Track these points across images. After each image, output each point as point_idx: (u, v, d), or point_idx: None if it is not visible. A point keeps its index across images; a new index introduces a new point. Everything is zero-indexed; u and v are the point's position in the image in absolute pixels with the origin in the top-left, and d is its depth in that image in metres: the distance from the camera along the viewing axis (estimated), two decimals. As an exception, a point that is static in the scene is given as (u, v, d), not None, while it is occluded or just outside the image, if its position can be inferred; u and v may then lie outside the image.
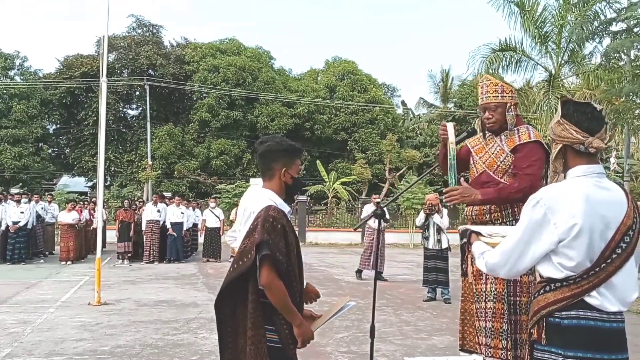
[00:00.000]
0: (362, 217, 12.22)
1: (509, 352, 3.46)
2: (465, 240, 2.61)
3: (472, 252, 2.52)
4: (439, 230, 9.26)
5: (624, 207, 2.15)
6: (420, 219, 9.58)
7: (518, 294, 3.54)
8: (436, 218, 9.23)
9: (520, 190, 3.53)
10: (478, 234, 2.53)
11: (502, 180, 3.71)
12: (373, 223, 11.27)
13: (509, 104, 3.75)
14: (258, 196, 2.82)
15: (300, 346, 2.68)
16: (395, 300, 9.30)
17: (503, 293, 3.52)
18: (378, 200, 12.60)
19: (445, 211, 9.56)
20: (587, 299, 2.10)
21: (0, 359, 5.51)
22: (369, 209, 11.88)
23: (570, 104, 2.28)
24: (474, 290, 3.65)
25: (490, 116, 3.78)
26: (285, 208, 2.77)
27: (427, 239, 9.38)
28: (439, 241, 9.25)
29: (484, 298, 3.57)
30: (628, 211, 2.14)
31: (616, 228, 2.11)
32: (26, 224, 13.96)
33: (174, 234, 14.71)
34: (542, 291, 2.20)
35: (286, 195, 2.87)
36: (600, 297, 2.09)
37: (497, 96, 3.75)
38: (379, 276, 11.50)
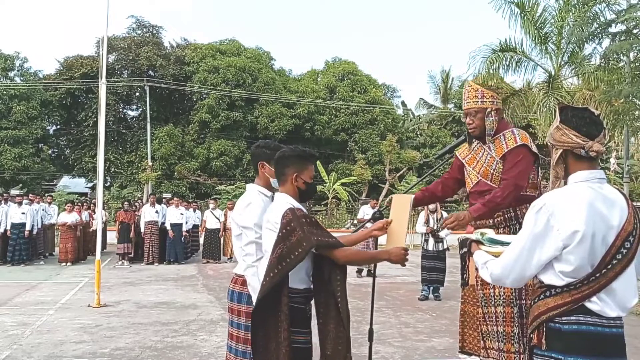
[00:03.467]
0: (358, 217, 12.93)
1: (521, 356, 3.46)
2: (465, 249, 2.61)
3: (474, 261, 2.52)
4: (439, 237, 9.44)
5: (624, 212, 2.16)
6: (421, 229, 9.62)
7: (524, 297, 3.53)
8: (442, 233, 9.34)
9: (505, 196, 3.55)
10: (479, 242, 2.53)
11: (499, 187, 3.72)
12: (369, 223, 11.73)
13: (489, 109, 3.73)
14: (276, 204, 2.94)
15: (403, 264, 2.88)
16: (394, 301, 9.30)
17: (512, 297, 3.52)
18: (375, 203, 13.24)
19: (445, 214, 9.61)
20: (588, 304, 2.10)
21: (0, 362, 5.52)
22: (366, 210, 12.52)
23: (568, 110, 2.29)
24: (481, 295, 3.62)
25: (470, 122, 3.79)
26: (303, 209, 2.89)
27: (427, 241, 9.56)
28: (439, 242, 9.45)
29: (493, 302, 3.55)
30: (629, 217, 2.15)
31: (617, 233, 2.11)
32: (31, 226, 13.98)
33: (173, 235, 14.73)
34: (542, 296, 2.20)
35: (300, 199, 2.98)
36: (600, 303, 2.10)
37: (477, 101, 3.76)
38: (369, 273, 12.04)
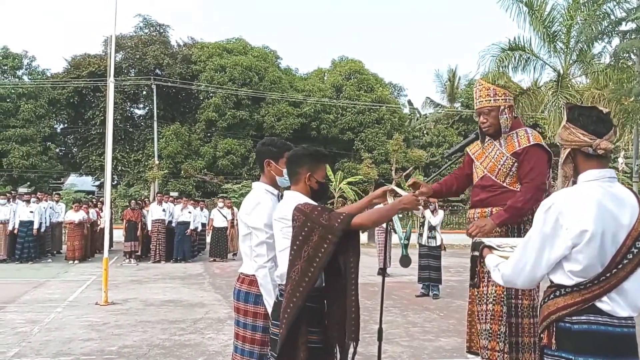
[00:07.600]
0: None
1: (505, 355, 3.44)
2: (477, 252, 2.59)
3: (485, 265, 2.50)
4: (432, 227, 9.51)
5: (635, 211, 2.13)
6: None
7: (520, 296, 3.53)
8: (427, 213, 9.40)
9: (527, 200, 3.54)
10: (491, 247, 2.51)
11: (504, 183, 3.72)
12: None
13: (502, 107, 3.73)
14: (286, 201, 2.92)
15: (416, 207, 2.86)
16: (401, 300, 9.27)
17: (502, 295, 3.52)
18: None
19: (441, 212, 9.92)
20: (598, 304, 2.08)
21: (9, 359, 5.54)
22: None
23: (576, 109, 2.28)
24: (476, 293, 3.66)
25: (484, 120, 3.78)
26: (312, 204, 2.86)
27: (421, 235, 9.69)
28: (432, 238, 9.53)
29: (485, 300, 3.58)
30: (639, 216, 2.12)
31: (627, 233, 2.09)
32: (40, 225, 14.04)
33: (191, 231, 14.95)
34: (552, 296, 2.18)
35: (312, 199, 2.94)
36: (611, 302, 2.08)
37: (490, 100, 3.76)
38: (379, 271, 12.19)
